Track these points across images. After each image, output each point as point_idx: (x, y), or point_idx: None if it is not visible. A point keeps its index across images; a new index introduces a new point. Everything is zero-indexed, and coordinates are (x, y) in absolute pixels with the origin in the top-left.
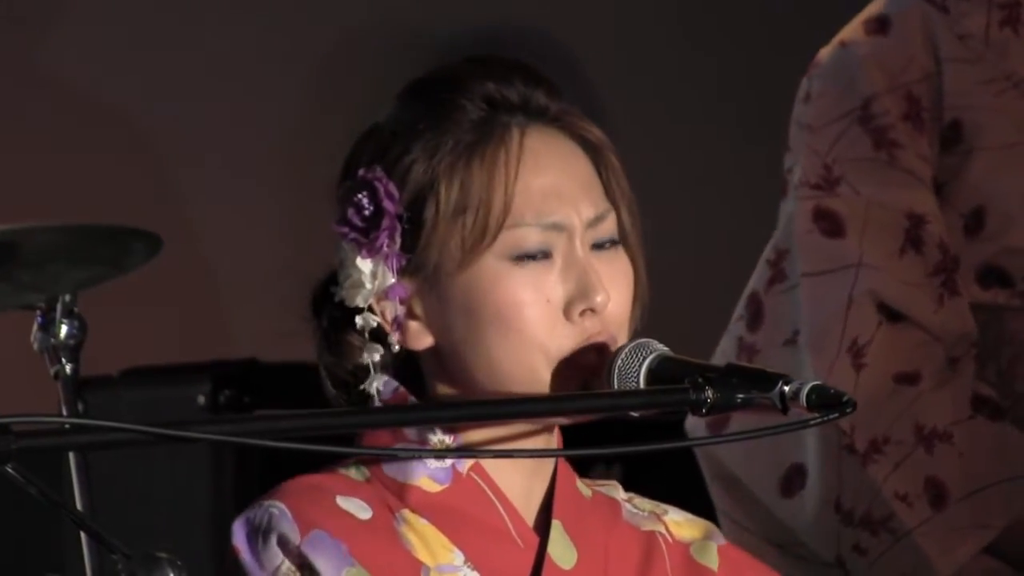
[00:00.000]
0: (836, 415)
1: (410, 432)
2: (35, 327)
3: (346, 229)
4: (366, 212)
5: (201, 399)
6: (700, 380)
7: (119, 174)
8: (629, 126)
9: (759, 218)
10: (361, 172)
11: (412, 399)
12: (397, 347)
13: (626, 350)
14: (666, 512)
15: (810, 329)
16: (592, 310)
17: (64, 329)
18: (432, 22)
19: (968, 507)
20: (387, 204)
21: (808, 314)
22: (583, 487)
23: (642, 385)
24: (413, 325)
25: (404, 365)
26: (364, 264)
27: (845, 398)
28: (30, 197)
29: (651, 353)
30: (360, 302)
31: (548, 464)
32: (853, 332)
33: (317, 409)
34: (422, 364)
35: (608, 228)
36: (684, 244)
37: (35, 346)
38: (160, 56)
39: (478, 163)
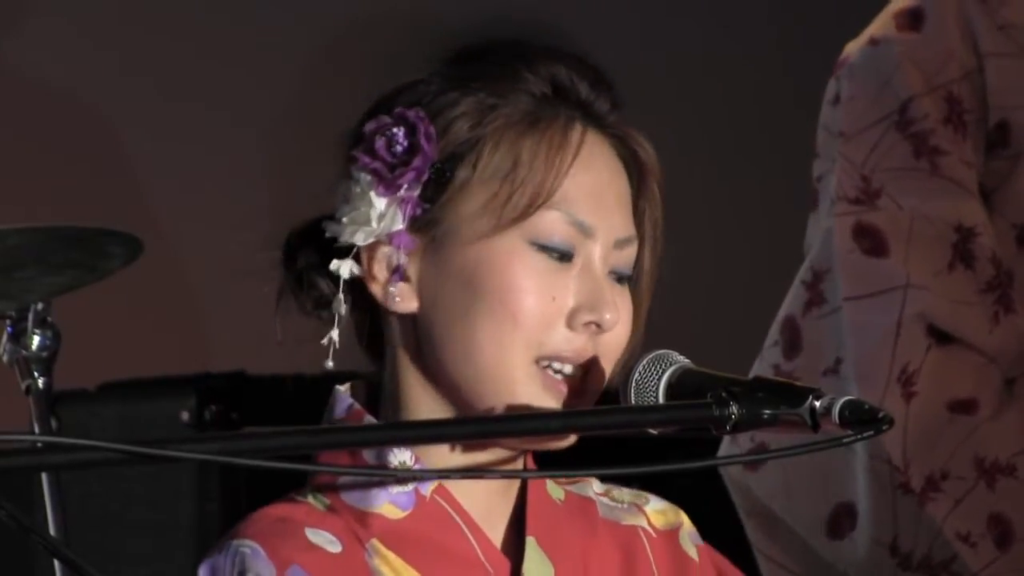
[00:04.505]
0: (871, 433)
1: (369, 454)
2: (5, 338)
3: (368, 159)
4: (398, 147)
5: (185, 415)
6: (724, 394)
7: (95, 173)
8: (644, 127)
9: (787, 231)
10: (400, 109)
11: (369, 418)
12: (384, 303)
13: (644, 362)
14: (647, 502)
15: (856, 358)
16: (598, 325)
17: (36, 340)
18: (429, 18)
19: None
20: (425, 144)
21: (853, 342)
22: (555, 489)
23: (661, 400)
24: (402, 286)
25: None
26: (378, 200)
27: (881, 414)
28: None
29: (671, 365)
30: (360, 239)
31: (516, 479)
32: (903, 359)
33: (310, 426)
34: (388, 328)
35: (628, 258)
36: (711, 259)
37: (4, 358)
38: (140, 49)
39: (535, 138)
